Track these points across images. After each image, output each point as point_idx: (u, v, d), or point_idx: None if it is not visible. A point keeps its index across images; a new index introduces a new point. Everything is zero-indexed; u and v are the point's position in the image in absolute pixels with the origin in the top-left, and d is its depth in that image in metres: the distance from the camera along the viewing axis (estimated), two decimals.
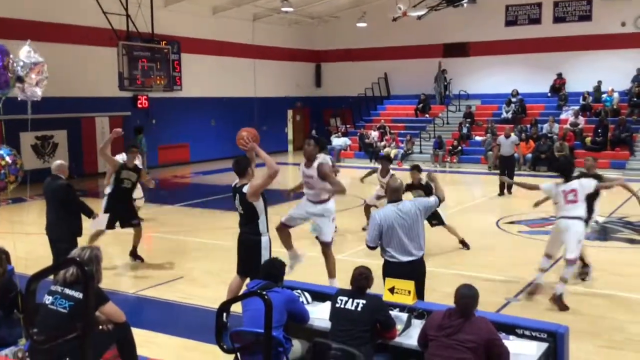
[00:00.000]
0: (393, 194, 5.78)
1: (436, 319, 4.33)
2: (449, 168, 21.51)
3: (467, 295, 4.27)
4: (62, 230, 7.35)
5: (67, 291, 4.40)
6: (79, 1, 18.02)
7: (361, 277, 4.80)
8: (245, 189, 6.45)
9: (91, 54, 19.14)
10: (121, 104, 20.52)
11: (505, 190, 15.68)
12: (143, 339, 6.21)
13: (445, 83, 25.35)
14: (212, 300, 7.06)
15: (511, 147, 16.04)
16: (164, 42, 19.74)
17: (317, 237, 7.60)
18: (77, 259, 4.36)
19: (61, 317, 4.32)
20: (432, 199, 5.88)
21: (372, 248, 5.74)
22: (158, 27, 18.79)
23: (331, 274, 7.54)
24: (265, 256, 6.48)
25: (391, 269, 5.51)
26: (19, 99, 5.81)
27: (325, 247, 7.53)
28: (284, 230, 7.69)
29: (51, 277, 4.50)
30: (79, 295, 4.34)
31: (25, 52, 5.61)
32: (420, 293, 5.52)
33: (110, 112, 20.37)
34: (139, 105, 21.22)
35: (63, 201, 7.40)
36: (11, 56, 5.36)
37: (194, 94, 23.01)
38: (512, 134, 17.08)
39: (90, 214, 7.71)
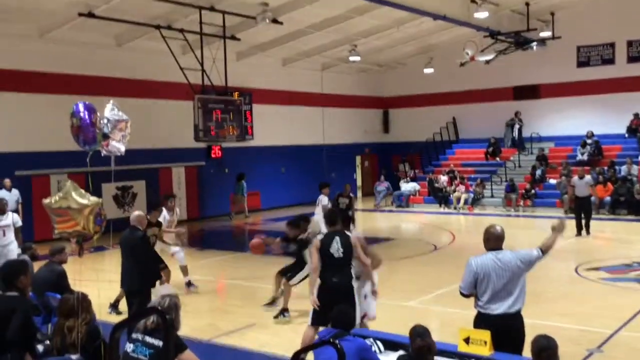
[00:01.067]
0: (495, 242, 5.44)
1: None
2: (523, 212, 20.96)
3: (546, 347, 4.12)
4: (136, 282, 7.49)
5: (148, 339, 4.55)
6: (159, 58, 19.02)
7: (423, 350, 4.46)
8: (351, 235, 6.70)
9: (169, 107, 20.06)
10: (196, 154, 21.28)
11: (584, 231, 15.27)
12: None
13: (519, 125, 24.79)
14: (283, 347, 7.11)
15: (586, 188, 15.73)
16: (236, 93, 20.45)
17: None
18: (158, 307, 4.52)
19: None
20: (535, 252, 5.43)
21: (466, 296, 5.53)
22: (231, 80, 19.50)
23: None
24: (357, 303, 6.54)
25: (483, 321, 5.28)
26: (102, 154, 6.18)
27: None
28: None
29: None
30: (158, 343, 4.48)
31: (109, 110, 6.00)
32: (518, 348, 5.20)
33: (186, 162, 21.16)
34: (213, 155, 21.95)
35: (138, 253, 7.55)
36: (98, 114, 5.74)
37: (265, 142, 23.60)
38: (587, 175, 16.72)
39: (158, 276, 7.74)
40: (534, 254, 5.43)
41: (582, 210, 15.70)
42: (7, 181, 14.69)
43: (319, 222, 9.95)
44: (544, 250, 5.47)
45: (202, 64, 17.90)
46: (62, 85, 17.07)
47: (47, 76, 17.23)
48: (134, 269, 7.56)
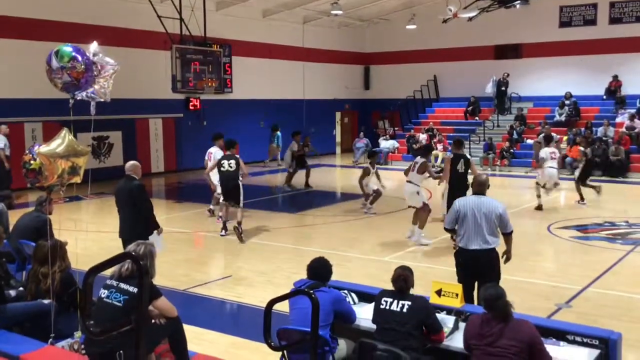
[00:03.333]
0: (477, 187, 6.25)
1: (474, 327, 4.26)
2: (499, 171, 21.15)
3: (497, 296, 4.20)
4: (134, 231, 7.25)
5: (122, 285, 4.55)
6: (135, 6, 18.53)
7: (399, 279, 4.79)
8: None
9: (146, 57, 19.64)
10: (174, 105, 20.99)
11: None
12: (193, 335, 6.36)
13: (504, 88, 24.64)
14: (259, 299, 7.17)
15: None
16: (215, 45, 20.09)
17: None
18: (133, 253, 4.50)
19: (116, 310, 4.47)
20: (508, 229, 6.14)
21: (448, 231, 6.39)
22: (210, 31, 19.14)
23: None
24: None
25: (461, 254, 6.10)
26: (90, 100, 5.83)
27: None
28: None
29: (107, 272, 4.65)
30: (133, 289, 4.48)
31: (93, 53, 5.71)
32: (489, 277, 5.76)
33: (163, 114, 20.88)
34: (191, 107, 21.67)
35: (136, 202, 7.37)
36: (99, 55, 5.44)
37: (244, 96, 23.34)
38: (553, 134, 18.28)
39: (156, 226, 7.58)
40: (506, 229, 6.11)
41: None
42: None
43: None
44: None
45: (180, 13, 17.51)
46: (35, 31, 16.58)
47: (20, 22, 16.71)
48: (131, 219, 7.39)
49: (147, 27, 18.70)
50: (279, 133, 23.27)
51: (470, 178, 8.27)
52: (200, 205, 15.00)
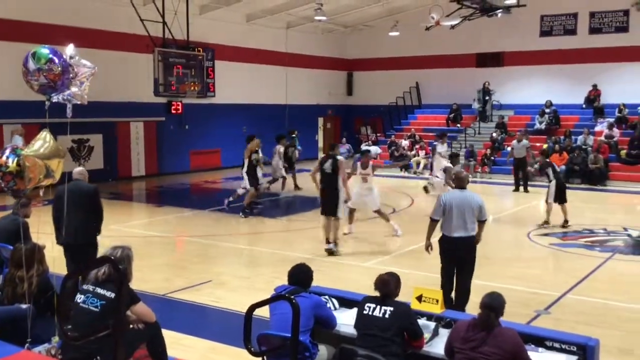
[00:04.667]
0: (459, 182, 7.07)
1: (460, 330, 4.30)
2: (480, 178, 21.31)
3: (487, 306, 4.24)
4: (87, 234, 7.17)
5: (99, 290, 4.48)
6: (118, 9, 18.41)
7: (380, 284, 4.79)
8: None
9: (128, 60, 19.52)
10: (156, 109, 20.86)
11: (522, 188, 17.70)
12: (172, 340, 6.30)
13: (487, 98, 24.88)
14: (240, 304, 7.12)
15: (522, 150, 18.06)
16: (198, 49, 20.03)
17: None
18: (112, 257, 4.44)
19: (93, 315, 4.40)
20: (484, 218, 6.94)
21: (435, 221, 6.96)
22: (193, 35, 19.07)
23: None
24: None
25: (446, 241, 6.83)
26: (66, 102, 5.78)
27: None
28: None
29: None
30: (110, 294, 4.41)
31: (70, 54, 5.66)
32: (469, 262, 6.84)
33: (145, 117, 20.74)
34: (173, 111, 21.55)
35: (92, 204, 7.27)
36: (76, 58, 5.36)
37: (226, 100, 23.27)
38: (524, 140, 18.52)
39: (99, 229, 7.46)
40: (483, 217, 6.93)
41: (519, 169, 17.96)
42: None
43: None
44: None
45: (163, 16, 17.43)
46: (15, 32, 16.38)
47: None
48: (82, 222, 7.20)
49: (129, 30, 18.59)
50: (294, 137, 21.90)
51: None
52: (181, 209, 14.93)
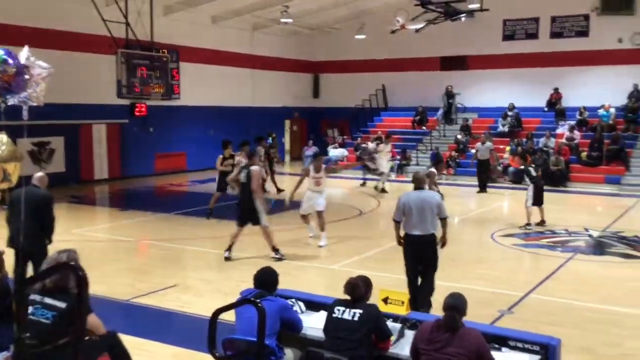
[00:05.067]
0: (417, 183, 7.22)
1: (425, 332, 4.33)
2: (446, 180, 21.53)
3: (451, 307, 4.28)
4: (38, 241, 7.04)
5: (48, 300, 4.23)
6: (79, 9, 18.07)
7: (349, 287, 4.79)
8: None
9: (90, 61, 19.19)
10: (119, 111, 20.55)
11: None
12: (136, 346, 6.19)
13: (451, 101, 25.19)
14: (206, 308, 7.04)
15: (486, 152, 18.70)
16: (163, 50, 19.80)
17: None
18: (72, 263, 4.28)
19: (44, 328, 4.18)
20: (444, 215, 7.13)
21: (397, 222, 7.19)
22: (157, 36, 18.84)
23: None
24: None
25: (408, 240, 7.05)
26: (17, 103, 5.68)
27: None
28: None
29: None
30: (61, 304, 4.19)
31: (25, 58, 5.55)
32: (431, 259, 7.08)
33: (108, 120, 20.41)
34: (137, 113, 21.25)
35: (44, 212, 7.13)
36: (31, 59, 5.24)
37: (192, 102, 23.06)
38: (488, 142, 19.11)
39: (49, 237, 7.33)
40: (443, 214, 7.13)
41: (482, 170, 18.58)
42: None
43: None
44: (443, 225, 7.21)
45: (126, 17, 17.17)
46: None
47: None
48: (34, 228, 7.05)
49: (92, 30, 18.27)
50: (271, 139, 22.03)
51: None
52: (145, 213, 14.73)
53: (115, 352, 4.80)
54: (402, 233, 7.31)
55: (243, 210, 9.92)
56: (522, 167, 13.17)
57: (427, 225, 6.97)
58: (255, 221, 9.87)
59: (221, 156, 13.62)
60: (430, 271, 7.10)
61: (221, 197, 13.58)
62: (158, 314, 7.48)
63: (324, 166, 11.39)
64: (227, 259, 9.89)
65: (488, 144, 19.09)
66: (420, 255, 7.09)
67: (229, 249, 9.94)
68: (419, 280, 7.17)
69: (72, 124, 19.20)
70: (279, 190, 17.54)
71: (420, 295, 7.02)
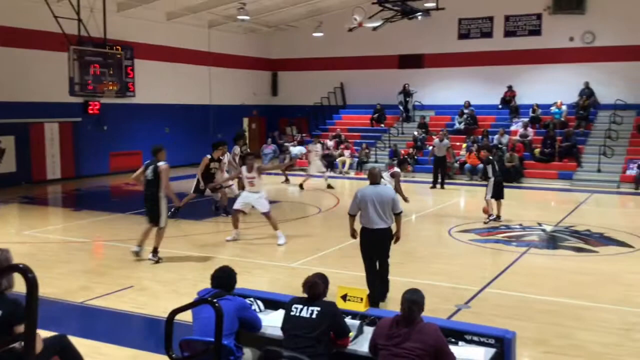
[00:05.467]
0: (373, 178, 7.45)
1: (384, 327, 4.35)
2: (404, 177, 21.71)
3: (410, 301, 4.32)
4: None
5: None
6: (30, 5, 17.58)
7: (306, 285, 4.78)
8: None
9: (41, 58, 18.70)
10: (71, 109, 20.07)
11: (439, 185, 18.66)
12: (90, 349, 6.05)
13: (408, 99, 25.39)
14: (162, 309, 6.94)
15: (443, 149, 19.06)
16: (116, 47, 19.42)
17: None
18: (21, 266, 4.08)
19: None
20: (398, 209, 7.38)
21: (352, 216, 7.43)
22: (111, 33, 18.47)
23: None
24: None
25: (365, 233, 7.30)
26: None
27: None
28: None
29: None
30: None
31: None
32: (386, 250, 7.36)
33: (60, 118, 19.91)
34: (90, 111, 20.79)
35: None
36: None
37: (147, 100, 22.69)
38: (445, 139, 19.56)
39: None
40: (397, 209, 7.36)
41: (439, 167, 18.89)
42: None
43: None
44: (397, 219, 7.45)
45: (78, 13, 16.78)
46: None
47: None
48: None
49: (42, 27, 17.80)
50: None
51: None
52: (100, 213, 14.42)
53: (65, 354, 4.66)
54: (357, 227, 7.50)
55: (147, 208, 9.64)
56: (490, 157, 13.24)
57: (383, 219, 7.20)
58: (155, 221, 9.59)
59: (208, 156, 13.09)
60: (384, 258, 7.45)
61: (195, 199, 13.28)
62: (114, 316, 7.33)
63: (256, 166, 11.11)
64: (136, 253, 9.66)
65: (445, 141, 19.48)
66: (378, 248, 7.35)
67: (140, 245, 9.72)
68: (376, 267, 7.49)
69: (23, 122, 18.68)
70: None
71: (379, 279, 7.39)
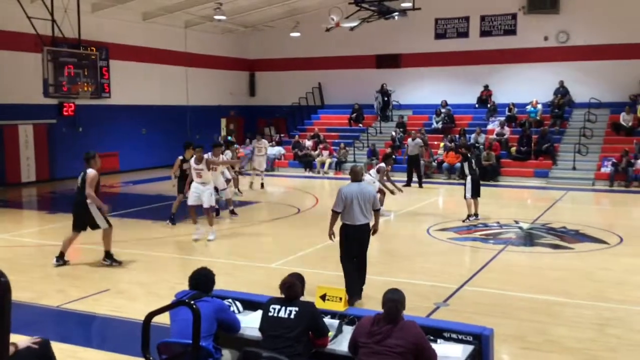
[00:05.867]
0: (355, 176, 7.67)
1: (365, 326, 4.37)
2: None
3: (392, 299, 4.35)
4: None
5: None
6: (1, 5, 17.30)
7: (285, 286, 4.77)
8: None
9: (14, 59, 18.41)
10: (46, 111, 19.80)
11: (414, 184, 18.81)
12: (67, 354, 5.98)
13: (386, 99, 25.50)
14: (139, 312, 6.86)
15: (416, 148, 19.29)
16: (91, 48, 19.20)
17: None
18: None
19: None
20: (377, 207, 7.72)
21: (337, 213, 7.55)
22: (85, 33, 18.26)
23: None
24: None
25: (347, 229, 7.51)
26: None
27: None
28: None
29: None
30: None
31: None
32: (365, 245, 7.63)
33: (35, 120, 19.62)
34: (65, 113, 20.53)
35: None
36: None
37: (123, 101, 22.46)
38: (417, 138, 19.83)
39: None
40: (376, 206, 7.70)
41: (412, 166, 19.11)
42: None
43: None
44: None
45: (52, 14, 16.56)
46: None
47: None
48: None
49: (15, 28, 17.53)
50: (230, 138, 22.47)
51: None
52: None
53: None
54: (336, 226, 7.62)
55: (77, 215, 9.49)
56: (469, 154, 13.27)
57: (365, 215, 7.49)
58: (94, 225, 9.47)
59: (180, 158, 12.99)
60: (363, 252, 7.71)
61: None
62: (90, 320, 7.24)
63: (205, 157, 11.30)
64: (59, 265, 9.46)
65: (417, 140, 19.68)
66: (359, 242, 7.60)
67: (61, 256, 9.50)
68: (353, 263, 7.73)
69: None
70: (240, 192, 16.99)
71: (358, 273, 7.65)
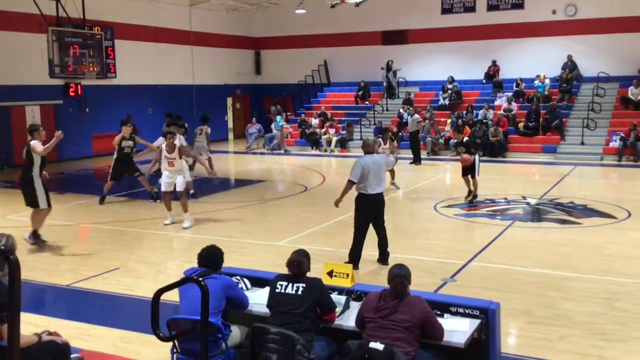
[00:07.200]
0: (367, 148, 8.12)
1: (372, 301, 4.41)
2: (389, 154, 21.74)
3: (399, 275, 4.39)
4: None
5: None
6: None
7: (293, 264, 4.78)
8: None
9: (19, 40, 18.39)
10: (52, 92, 19.81)
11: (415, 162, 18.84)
12: (79, 331, 6.07)
13: (389, 76, 25.31)
14: (149, 290, 6.92)
15: (414, 124, 19.10)
16: (96, 28, 19.13)
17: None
18: (2, 247, 4.02)
19: None
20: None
21: (354, 183, 7.88)
22: (90, 13, 18.19)
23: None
24: None
25: (364, 198, 7.90)
26: None
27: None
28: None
29: None
30: None
31: None
32: (382, 213, 8.13)
33: (41, 101, 19.65)
34: (72, 94, 20.54)
35: None
36: None
37: (129, 81, 22.44)
38: (416, 114, 19.66)
39: None
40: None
41: (412, 142, 19.03)
42: None
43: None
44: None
45: None
46: None
47: None
48: None
49: (20, 8, 17.47)
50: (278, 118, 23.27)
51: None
52: (85, 195, 14.33)
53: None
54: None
55: (23, 192, 9.27)
56: (466, 139, 13.23)
57: (381, 185, 7.97)
58: (33, 204, 9.25)
59: (120, 135, 12.78)
60: (382, 219, 8.14)
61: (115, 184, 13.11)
62: (101, 298, 7.32)
63: (177, 145, 10.67)
64: (34, 244, 9.30)
65: (416, 116, 19.52)
66: (376, 211, 8.05)
67: (35, 234, 9.32)
68: (376, 232, 8.16)
69: (3, 106, 18.41)
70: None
71: (380, 244, 8.17)
